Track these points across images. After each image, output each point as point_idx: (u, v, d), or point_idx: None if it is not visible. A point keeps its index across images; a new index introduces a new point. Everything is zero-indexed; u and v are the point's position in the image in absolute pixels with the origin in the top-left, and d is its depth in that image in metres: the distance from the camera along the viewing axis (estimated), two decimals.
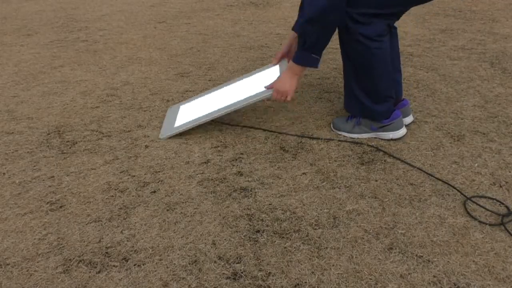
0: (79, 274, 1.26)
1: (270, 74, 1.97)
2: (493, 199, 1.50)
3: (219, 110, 1.89)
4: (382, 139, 1.86)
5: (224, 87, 2.10)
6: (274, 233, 1.39)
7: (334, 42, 3.09)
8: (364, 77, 1.71)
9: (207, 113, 1.91)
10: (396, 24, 3.47)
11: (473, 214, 1.43)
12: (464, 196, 1.51)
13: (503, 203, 1.47)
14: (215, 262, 1.28)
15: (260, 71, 2.08)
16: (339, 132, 1.90)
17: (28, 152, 1.87)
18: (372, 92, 1.74)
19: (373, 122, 1.82)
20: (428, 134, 1.90)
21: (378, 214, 1.45)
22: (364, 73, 1.70)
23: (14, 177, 1.71)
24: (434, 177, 1.61)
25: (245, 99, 1.87)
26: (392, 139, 1.84)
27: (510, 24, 3.36)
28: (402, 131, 1.84)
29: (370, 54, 1.63)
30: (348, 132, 1.88)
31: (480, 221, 1.40)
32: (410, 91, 2.32)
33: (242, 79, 2.10)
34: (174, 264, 1.28)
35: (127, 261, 1.30)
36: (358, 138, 1.87)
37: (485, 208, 1.45)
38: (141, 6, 4.35)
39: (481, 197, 1.51)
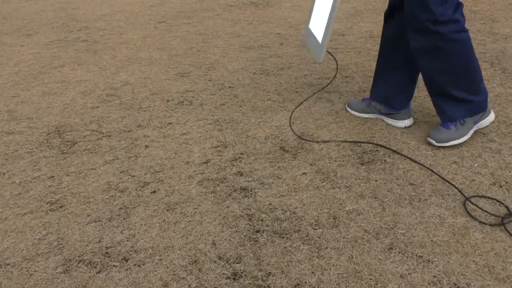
0: (79, 274, 1.26)
1: None
2: (492, 199, 1.50)
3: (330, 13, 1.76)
4: (481, 128, 1.86)
5: None
6: (274, 233, 1.39)
7: (335, 42, 3.09)
8: (464, 74, 1.68)
9: (327, 16, 1.78)
10: None
11: (473, 214, 1.43)
12: (464, 196, 1.51)
13: (502, 203, 1.47)
14: (215, 262, 1.28)
15: None
16: (448, 143, 1.78)
17: (28, 152, 1.87)
18: (476, 84, 1.71)
19: (476, 115, 1.79)
20: (428, 134, 1.90)
21: (378, 214, 1.45)
22: (465, 69, 1.67)
23: (14, 177, 1.71)
24: (439, 175, 1.61)
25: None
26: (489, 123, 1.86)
27: (510, 24, 3.36)
28: (492, 112, 1.85)
29: (466, 46, 1.63)
30: (457, 139, 1.78)
31: (480, 221, 1.40)
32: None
33: None
34: (174, 264, 1.28)
35: (127, 261, 1.30)
36: (467, 140, 1.81)
37: (483, 210, 1.45)
38: (141, 6, 4.35)
39: (480, 197, 1.51)
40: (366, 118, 2.05)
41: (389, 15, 1.83)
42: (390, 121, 1.99)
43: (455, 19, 1.58)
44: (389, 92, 1.94)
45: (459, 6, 1.60)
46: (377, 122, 2.01)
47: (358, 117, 2.07)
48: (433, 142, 1.79)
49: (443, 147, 1.79)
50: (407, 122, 1.96)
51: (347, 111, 2.12)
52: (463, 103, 1.74)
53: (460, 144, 1.80)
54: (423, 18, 1.58)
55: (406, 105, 1.95)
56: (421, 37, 1.63)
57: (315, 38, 1.88)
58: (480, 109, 1.78)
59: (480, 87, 1.74)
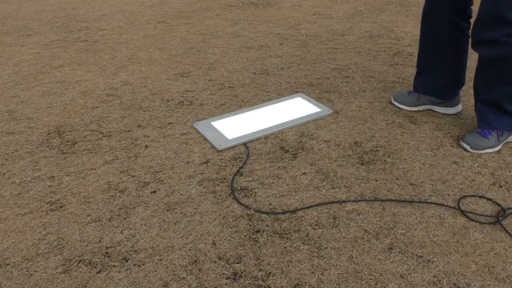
0: (79, 274, 1.26)
1: (294, 104, 2.15)
2: (484, 197, 1.50)
3: (267, 129, 1.95)
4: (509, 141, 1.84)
5: (250, 111, 2.12)
6: (274, 233, 1.39)
7: (335, 42, 3.09)
8: None
9: (257, 130, 1.94)
10: (396, 24, 3.47)
11: (468, 215, 1.43)
12: (450, 207, 1.52)
13: (494, 201, 1.47)
14: (215, 262, 1.28)
15: (279, 102, 2.20)
16: (483, 151, 1.76)
17: (28, 152, 1.87)
18: None
19: None
20: (428, 134, 1.90)
21: (378, 214, 1.45)
22: None
23: (14, 177, 1.71)
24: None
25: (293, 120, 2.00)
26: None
27: None
28: None
29: None
30: (493, 147, 1.76)
31: (474, 220, 1.40)
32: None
33: (262, 107, 2.16)
34: (174, 264, 1.28)
35: (127, 261, 1.30)
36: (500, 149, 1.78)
37: (475, 213, 1.45)
38: (141, 6, 4.35)
39: (472, 196, 1.51)
40: (416, 110, 2.09)
41: (432, 8, 1.86)
42: (442, 109, 2.04)
43: None
44: (437, 85, 1.99)
45: None
46: (377, 122, 2.01)
47: (408, 110, 2.10)
48: (468, 148, 1.76)
49: (477, 154, 1.76)
50: (459, 108, 2.03)
51: (394, 104, 2.15)
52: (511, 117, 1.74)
53: (451, 144, 1.80)
54: (503, 26, 1.55)
55: (457, 92, 2.00)
56: (494, 46, 1.61)
57: (223, 133, 1.94)
58: None
59: None
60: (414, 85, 2.09)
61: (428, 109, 2.08)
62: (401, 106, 2.12)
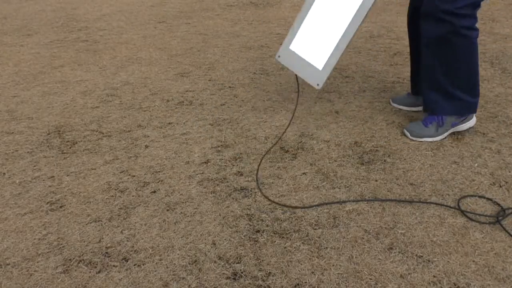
0: (79, 274, 1.26)
1: None
2: (484, 197, 1.50)
3: (346, 32, 1.65)
4: (459, 131, 1.87)
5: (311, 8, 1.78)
6: (274, 233, 1.39)
7: None
8: (465, 72, 1.71)
9: (339, 38, 1.66)
10: (396, 24, 3.47)
11: (468, 215, 1.43)
12: (450, 207, 1.52)
13: (494, 201, 1.47)
14: (215, 262, 1.28)
15: None
16: (422, 139, 1.83)
17: (28, 152, 1.87)
18: (472, 85, 1.74)
19: (464, 115, 1.81)
20: None
21: (378, 214, 1.45)
22: (466, 67, 1.70)
23: (14, 177, 1.71)
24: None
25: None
26: (469, 128, 1.87)
27: (510, 24, 3.36)
28: (474, 118, 1.86)
29: (473, 45, 1.65)
30: (432, 136, 1.82)
31: (475, 220, 1.40)
32: (410, 91, 2.32)
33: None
34: (174, 264, 1.28)
35: (127, 261, 1.30)
36: (441, 140, 1.84)
37: (475, 213, 1.45)
38: (141, 6, 4.35)
39: (472, 196, 1.51)
40: (415, 110, 2.10)
41: (414, 15, 1.89)
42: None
43: (470, 15, 1.61)
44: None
45: (478, 5, 1.61)
46: (377, 122, 2.01)
47: (407, 110, 2.11)
48: (408, 134, 1.85)
49: (417, 141, 1.83)
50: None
51: (393, 105, 2.16)
52: (456, 101, 1.77)
53: (451, 144, 1.80)
54: (442, 8, 1.59)
55: None
56: (434, 26, 1.65)
57: (305, 61, 1.75)
58: (470, 110, 1.80)
59: (476, 88, 1.75)
60: (411, 88, 2.11)
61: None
62: (400, 107, 2.13)
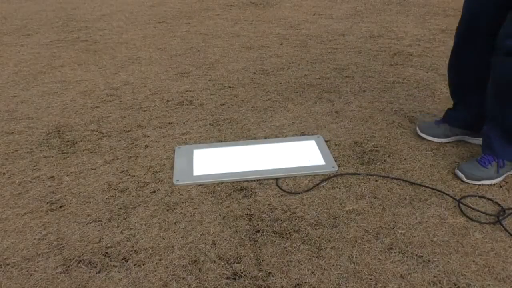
0: (79, 274, 1.26)
1: (304, 148, 1.81)
2: (484, 197, 1.50)
3: (245, 173, 1.66)
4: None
5: (245, 146, 1.85)
6: (274, 233, 1.39)
7: (334, 42, 3.09)
8: None
9: (231, 172, 1.67)
10: (396, 24, 3.47)
11: (469, 215, 1.43)
12: (455, 199, 1.52)
13: (494, 201, 1.47)
14: (215, 262, 1.28)
15: (291, 141, 1.88)
16: (478, 182, 1.57)
17: (28, 152, 1.87)
18: None
19: None
20: None
21: (378, 214, 1.45)
22: None
23: (14, 177, 1.71)
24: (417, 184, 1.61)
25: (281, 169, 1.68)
26: None
27: None
28: None
29: None
30: (491, 179, 1.57)
31: (475, 220, 1.40)
32: (410, 91, 2.32)
33: (265, 143, 1.86)
34: (174, 264, 1.28)
35: (127, 261, 1.30)
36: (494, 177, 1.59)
37: (475, 213, 1.45)
38: (141, 6, 4.35)
39: (472, 196, 1.51)
40: (447, 142, 1.85)
41: (469, 39, 1.62)
42: (476, 140, 1.81)
43: None
44: (471, 117, 1.76)
45: None
46: (377, 122, 2.01)
47: (438, 142, 1.85)
48: (463, 177, 1.59)
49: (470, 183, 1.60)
50: None
51: (420, 136, 1.87)
52: None
53: (451, 144, 1.80)
54: None
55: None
56: None
57: (192, 165, 1.71)
58: None
59: None
60: (448, 117, 1.84)
61: (460, 140, 1.85)
62: (431, 138, 1.85)
